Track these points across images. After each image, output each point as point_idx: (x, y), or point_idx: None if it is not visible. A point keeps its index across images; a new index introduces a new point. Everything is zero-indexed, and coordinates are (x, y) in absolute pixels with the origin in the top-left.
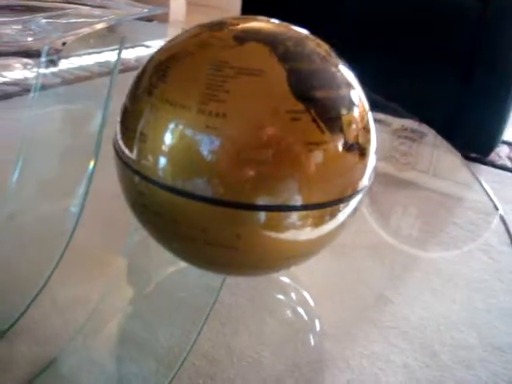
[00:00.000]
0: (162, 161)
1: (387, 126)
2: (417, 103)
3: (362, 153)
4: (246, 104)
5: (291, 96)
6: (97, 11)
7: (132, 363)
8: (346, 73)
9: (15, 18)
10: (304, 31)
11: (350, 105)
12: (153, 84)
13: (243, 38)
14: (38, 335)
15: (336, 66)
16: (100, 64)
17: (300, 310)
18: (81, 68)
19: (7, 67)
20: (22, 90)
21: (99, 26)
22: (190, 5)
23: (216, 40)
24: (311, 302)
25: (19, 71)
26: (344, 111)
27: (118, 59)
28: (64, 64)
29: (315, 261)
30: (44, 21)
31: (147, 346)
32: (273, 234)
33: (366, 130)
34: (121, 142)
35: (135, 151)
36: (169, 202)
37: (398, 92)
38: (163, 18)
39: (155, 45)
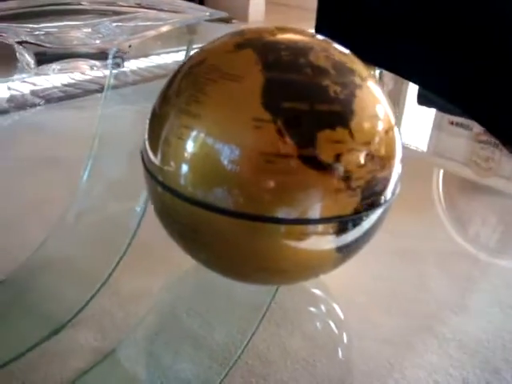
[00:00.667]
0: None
1: (468, 130)
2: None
3: (347, 176)
4: (220, 110)
5: (259, 104)
6: (163, 15)
7: (187, 358)
8: (353, 90)
9: (86, 22)
10: (330, 44)
11: (338, 122)
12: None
13: (242, 45)
14: (98, 327)
15: (338, 82)
16: (169, 65)
17: (357, 315)
18: (150, 68)
19: (75, 69)
20: (89, 90)
21: (164, 29)
22: (269, 4)
23: (224, 47)
24: (368, 308)
25: (87, 72)
26: (324, 127)
27: (184, 59)
28: (132, 65)
29: (376, 265)
30: (113, 24)
31: (203, 343)
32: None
33: (373, 154)
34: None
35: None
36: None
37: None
38: (243, 18)
39: None
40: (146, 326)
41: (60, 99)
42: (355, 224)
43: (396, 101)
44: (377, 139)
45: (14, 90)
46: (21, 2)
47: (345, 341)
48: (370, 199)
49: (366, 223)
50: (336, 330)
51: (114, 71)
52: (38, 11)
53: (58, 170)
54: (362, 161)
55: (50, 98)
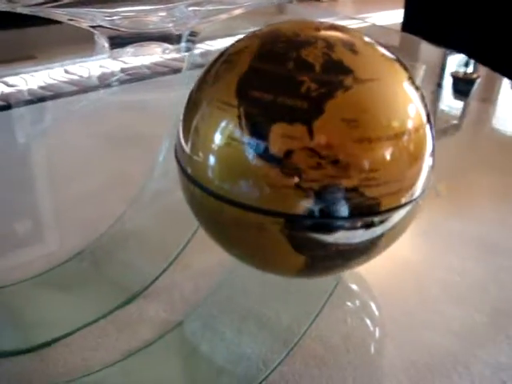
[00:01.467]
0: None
1: None
2: None
3: (297, 174)
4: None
5: (233, 91)
6: None
7: (250, 337)
8: (332, 90)
9: (161, 6)
10: (353, 40)
11: (298, 119)
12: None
13: (255, 36)
14: (168, 299)
15: (318, 80)
16: None
17: (426, 306)
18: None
19: (149, 51)
20: (162, 72)
21: (236, 12)
22: None
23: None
24: (438, 300)
25: (160, 55)
26: (281, 121)
27: None
28: (204, 47)
29: (450, 256)
30: (189, 8)
31: (267, 323)
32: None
33: (336, 159)
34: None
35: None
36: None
37: None
38: None
39: None
40: (213, 302)
41: (146, 78)
42: (306, 225)
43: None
44: (345, 146)
45: (104, 67)
46: None
47: (410, 330)
48: (327, 206)
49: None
50: (403, 319)
51: (189, 53)
52: None
53: (139, 148)
54: (318, 163)
55: (138, 76)
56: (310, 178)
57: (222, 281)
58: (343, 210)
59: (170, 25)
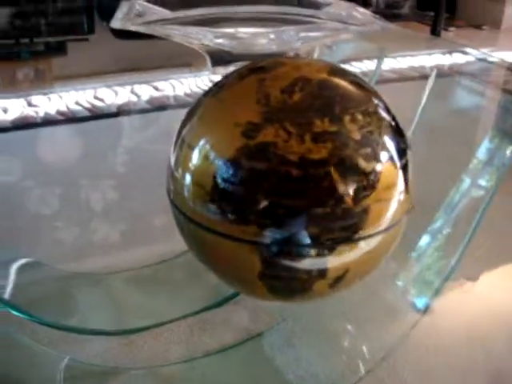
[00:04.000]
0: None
1: None
2: None
3: None
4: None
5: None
6: (340, 25)
7: (324, 358)
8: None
9: (270, 29)
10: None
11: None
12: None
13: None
14: (254, 310)
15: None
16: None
17: None
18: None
19: None
20: None
21: (344, 37)
22: None
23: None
24: None
25: None
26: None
27: (377, 67)
28: None
29: None
30: (297, 33)
31: (343, 348)
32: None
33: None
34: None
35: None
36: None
37: None
38: (496, 25)
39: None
40: (296, 319)
41: None
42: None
43: None
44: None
45: None
46: (207, 9)
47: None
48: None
49: None
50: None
51: None
52: (223, 17)
53: None
54: None
55: None
56: None
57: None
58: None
59: (274, 46)
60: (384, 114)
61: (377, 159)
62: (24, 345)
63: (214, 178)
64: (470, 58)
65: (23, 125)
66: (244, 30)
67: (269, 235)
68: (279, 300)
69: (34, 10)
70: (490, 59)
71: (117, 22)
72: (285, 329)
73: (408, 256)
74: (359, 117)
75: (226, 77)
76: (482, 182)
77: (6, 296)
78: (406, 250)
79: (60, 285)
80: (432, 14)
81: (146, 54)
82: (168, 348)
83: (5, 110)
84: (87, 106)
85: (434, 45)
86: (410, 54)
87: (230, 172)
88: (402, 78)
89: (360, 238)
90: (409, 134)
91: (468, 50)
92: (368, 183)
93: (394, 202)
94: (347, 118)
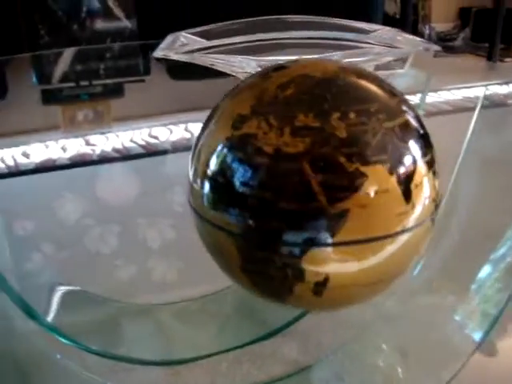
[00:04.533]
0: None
1: None
2: None
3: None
4: None
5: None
6: (386, 49)
7: None
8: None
9: (315, 56)
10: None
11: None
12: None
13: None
14: (304, 342)
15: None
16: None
17: None
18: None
19: None
20: None
21: (384, 60)
22: None
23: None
24: None
25: None
26: None
27: (423, 93)
28: None
29: None
30: (339, 57)
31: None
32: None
33: None
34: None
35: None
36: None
37: None
38: None
39: None
40: (346, 352)
41: None
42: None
43: None
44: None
45: None
46: (251, 36)
47: None
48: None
49: None
50: None
51: None
52: (267, 44)
53: None
54: None
55: None
56: None
57: (360, 334)
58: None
59: None
60: (397, 119)
61: (364, 160)
62: (71, 371)
63: (206, 168)
64: None
65: (80, 162)
66: (287, 58)
67: (240, 225)
68: (266, 298)
69: (93, 54)
70: None
71: (159, 52)
72: (334, 362)
73: (467, 288)
74: (351, 115)
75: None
76: None
77: (53, 322)
78: (466, 282)
79: (108, 314)
80: (487, 45)
81: (202, 93)
82: (215, 380)
83: (64, 149)
84: (142, 143)
85: (489, 75)
86: (464, 86)
87: (215, 161)
88: (457, 109)
89: (336, 244)
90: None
91: None
92: (349, 184)
93: (385, 210)
94: (335, 115)
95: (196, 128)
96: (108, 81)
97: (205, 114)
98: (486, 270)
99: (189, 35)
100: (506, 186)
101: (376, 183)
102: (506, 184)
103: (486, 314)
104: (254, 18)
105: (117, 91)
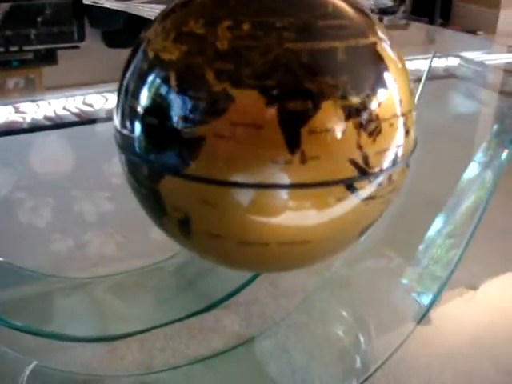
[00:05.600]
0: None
1: None
2: None
3: None
4: None
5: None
6: None
7: (321, 366)
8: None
9: None
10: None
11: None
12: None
13: None
14: (246, 314)
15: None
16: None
17: None
18: None
19: None
20: None
21: None
22: None
23: None
24: None
25: None
26: None
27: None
28: None
29: None
30: None
31: (342, 355)
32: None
33: None
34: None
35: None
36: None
37: None
38: (491, 31)
39: (468, 56)
40: (289, 323)
41: None
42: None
43: None
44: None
45: None
46: None
47: None
48: None
49: None
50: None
51: None
52: None
53: None
54: None
55: None
56: None
57: (303, 303)
58: None
59: None
60: (311, 42)
61: (236, 81)
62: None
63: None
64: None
65: (8, 131)
66: None
67: None
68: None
69: (24, 19)
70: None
71: None
72: (278, 334)
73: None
74: (245, 26)
75: None
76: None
77: None
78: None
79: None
80: (426, 19)
81: None
82: (153, 355)
83: None
84: (76, 111)
85: (428, 49)
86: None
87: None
88: None
89: (188, 176)
90: None
91: (463, 53)
92: (208, 107)
93: (254, 150)
94: (225, 24)
95: None
96: (40, 47)
97: None
98: (435, 227)
99: None
100: (448, 155)
101: (245, 113)
102: (447, 153)
103: (435, 276)
104: None
105: (49, 58)
